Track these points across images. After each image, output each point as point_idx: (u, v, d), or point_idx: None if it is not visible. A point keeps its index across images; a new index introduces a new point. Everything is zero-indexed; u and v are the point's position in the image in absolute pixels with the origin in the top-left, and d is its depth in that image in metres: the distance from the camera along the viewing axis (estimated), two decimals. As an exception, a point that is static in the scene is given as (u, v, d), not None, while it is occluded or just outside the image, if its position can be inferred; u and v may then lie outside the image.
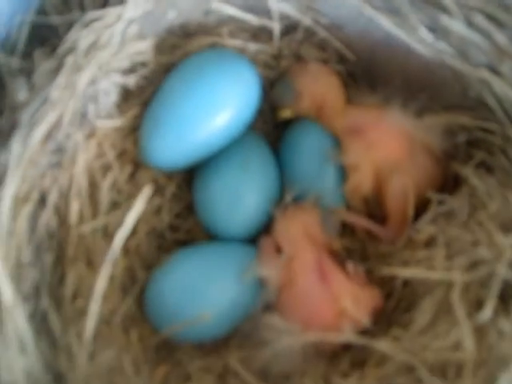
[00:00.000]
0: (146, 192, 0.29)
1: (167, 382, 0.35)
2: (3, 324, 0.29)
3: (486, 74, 0.33)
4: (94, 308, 0.30)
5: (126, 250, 0.37)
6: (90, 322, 0.31)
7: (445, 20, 0.31)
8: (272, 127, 0.42)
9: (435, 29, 0.32)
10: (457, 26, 0.31)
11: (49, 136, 0.34)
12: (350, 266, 0.35)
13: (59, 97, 0.33)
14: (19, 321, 0.29)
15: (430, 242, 0.35)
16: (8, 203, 0.32)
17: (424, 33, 0.32)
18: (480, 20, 0.30)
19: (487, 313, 0.30)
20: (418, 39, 0.33)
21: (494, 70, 0.32)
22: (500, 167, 0.35)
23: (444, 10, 0.31)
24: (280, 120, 0.40)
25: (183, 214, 0.40)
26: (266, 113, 0.41)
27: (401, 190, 0.36)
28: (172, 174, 0.39)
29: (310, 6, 0.36)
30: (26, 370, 0.29)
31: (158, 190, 0.39)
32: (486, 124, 0.35)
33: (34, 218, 0.33)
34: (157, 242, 0.39)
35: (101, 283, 0.31)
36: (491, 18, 0.30)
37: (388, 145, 0.36)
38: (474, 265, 0.32)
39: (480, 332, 0.30)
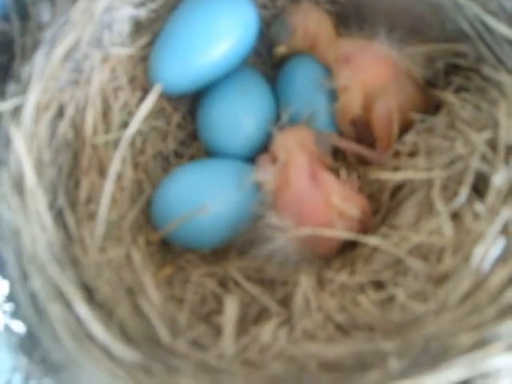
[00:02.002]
0: (157, 88, 0.33)
1: (171, 282, 0.38)
2: (26, 204, 0.32)
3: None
4: (106, 197, 0.33)
5: (135, 165, 0.40)
6: (101, 218, 0.34)
7: None
8: (269, 67, 0.46)
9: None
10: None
11: (68, 55, 0.37)
12: (343, 172, 0.39)
13: (78, 20, 0.37)
14: (40, 203, 0.32)
15: (413, 152, 0.38)
16: (31, 109, 0.35)
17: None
18: None
19: (462, 197, 0.33)
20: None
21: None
22: (475, 87, 0.39)
23: None
24: (277, 57, 0.44)
25: (187, 142, 0.44)
26: (263, 53, 0.45)
27: (386, 110, 0.39)
28: (178, 104, 0.43)
29: None
30: (47, 244, 0.31)
31: (165, 118, 0.43)
32: (461, 47, 0.39)
33: (53, 127, 0.36)
34: (162, 164, 0.42)
35: (111, 178, 0.34)
36: None
37: (374, 69, 0.40)
38: (451, 163, 0.35)
39: (457, 218, 0.34)
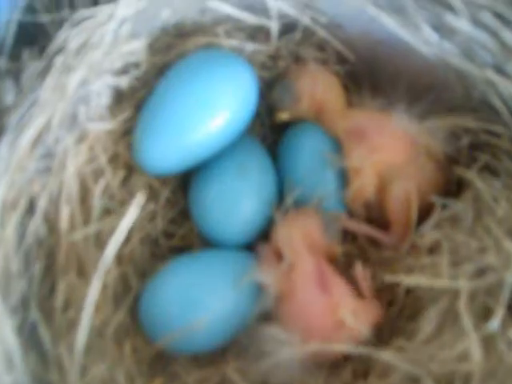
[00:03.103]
0: (139, 199, 0.28)
1: (163, 394, 0.34)
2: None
3: (491, 75, 0.32)
4: (86, 320, 0.29)
5: (118, 257, 0.35)
6: (81, 335, 0.30)
7: (450, 19, 0.30)
8: (269, 129, 0.40)
9: (440, 28, 0.31)
10: (463, 24, 0.30)
11: (37, 140, 0.32)
12: (358, 268, 0.34)
13: (48, 99, 0.32)
14: (6, 334, 0.28)
15: (434, 248, 0.34)
16: (-5, 210, 0.30)
17: (428, 32, 0.31)
18: (487, 18, 0.29)
19: (495, 322, 0.29)
20: (422, 39, 0.32)
21: (501, 70, 0.31)
22: (505, 170, 0.34)
23: (449, 8, 0.30)
24: (278, 122, 0.39)
25: (178, 220, 0.39)
26: (262, 115, 0.40)
27: (403, 195, 0.34)
28: (166, 178, 0.38)
29: (308, 5, 0.35)
30: (15, 386, 0.27)
31: (152, 196, 0.38)
32: (491, 126, 0.34)
33: (23, 226, 0.32)
34: (151, 248, 0.38)
35: (92, 294, 0.30)
36: (498, 16, 0.29)
37: (391, 149, 0.35)
38: (480, 272, 0.31)
39: (488, 342, 0.29)
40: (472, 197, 0.34)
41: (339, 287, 0.32)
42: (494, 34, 0.30)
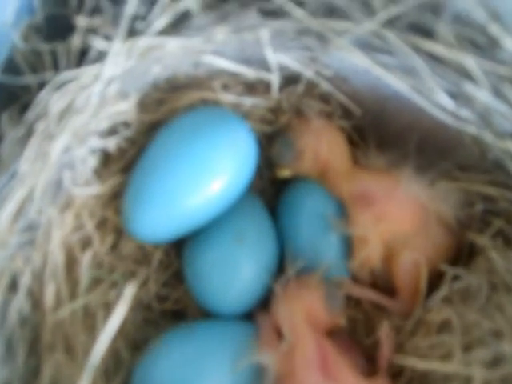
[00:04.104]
0: (128, 293, 0.26)
1: None
2: None
3: (509, 144, 0.29)
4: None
5: (109, 330, 0.33)
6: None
7: (469, 88, 0.27)
8: (268, 183, 0.38)
9: (456, 95, 0.28)
10: (483, 95, 0.27)
11: (18, 214, 0.30)
12: (386, 327, 0.32)
13: (29, 169, 0.29)
14: None
15: (444, 326, 0.32)
16: (-28, 297, 0.28)
17: (444, 98, 0.28)
18: (509, 90, 0.26)
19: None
20: (436, 103, 0.29)
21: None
22: (521, 240, 0.32)
23: (468, 76, 0.27)
24: (278, 179, 0.36)
25: (171, 283, 0.37)
26: (262, 168, 0.37)
27: (411, 266, 0.32)
28: (158, 241, 0.36)
29: (313, 58, 0.32)
30: None
31: (144, 259, 0.36)
32: (506, 193, 0.32)
33: (5, 306, 0.30)
34: (143, 314, 0.35)
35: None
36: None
37: (399, 217, 0.33)
38: (495, 361, 0.29)
39: None
40: (485, 268, 0.32)
41: (343, 371, 0.30)
42: (514, 105, 0.28)
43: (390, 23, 0.28)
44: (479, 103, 0.28)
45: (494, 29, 0.26)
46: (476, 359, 0.29)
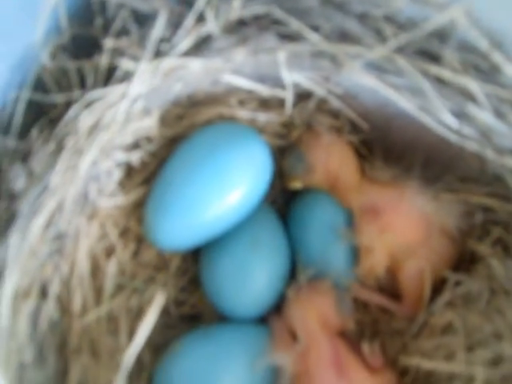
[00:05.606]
0: (158, 301, 0.28)
1: None
2: None
3: (508, 161, 0.31)
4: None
5: (130, 332, 0.35)
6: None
7: (472, 109, 0.29)
8: (280, 194, 0.40)
9: (459, 114, 0.31)
10: (485, 116, 0.29)
11: (49, 224, 0.31)
12: (366, 347, 0.34)
13: (59, 182, 0.31)
14: None
15: (447, 328, 0.34)
16: (7, 302, 0.30)
17: (448, 118, 0.30)
18: (509, 112, 0.29)
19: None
20: (441, 122, 0.32)
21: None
22: (519, 248, 0.34)
23: (471, 98, 0.29)
24: (290, 190, 0.38)
25: (189, 288, 0.38)
26: (274, 180, 0.39)
27: (416, 274, 0.34)
28: (177, 249, 0.38)
29: (325, 77, 0.34)
30: None
31: (163, 265, 0.37)
32: (506, 205, 0.34)
33: (36, 313, 0.31)
34: (162, 319, 0.37)
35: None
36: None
37: (404, 229, 0.35)
38: (496, 360, 0.31)
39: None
40: (486, 274, 0.35)
41: (355, 369, 0.32)
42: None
43: (400, 49, 0.30)
44: (481, 123, 0.30)
45: (496, 56, 0.28)
46: (478, 359, 0.31)
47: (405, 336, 0.36)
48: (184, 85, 0.34)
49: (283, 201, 0.40)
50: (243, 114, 0.35)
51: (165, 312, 0.38)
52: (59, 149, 0.31)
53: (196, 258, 0.38)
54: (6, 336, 0.29)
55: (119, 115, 0.32)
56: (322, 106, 0.37)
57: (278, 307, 0.37)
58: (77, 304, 0.33)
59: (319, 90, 0.35)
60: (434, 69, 0.29)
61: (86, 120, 0.31)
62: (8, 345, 0.29)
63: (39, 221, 0.31)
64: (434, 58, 0.30)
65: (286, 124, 0.37)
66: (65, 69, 0.34)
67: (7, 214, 0.31)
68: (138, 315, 0.35)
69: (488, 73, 0.29)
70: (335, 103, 0.36)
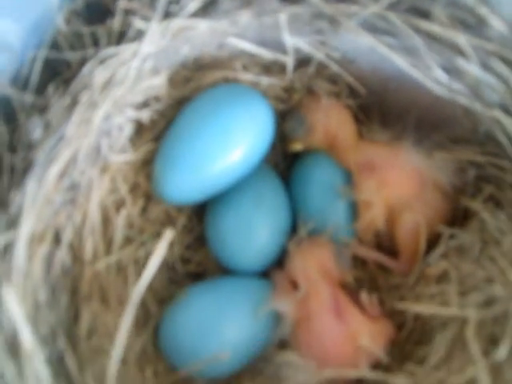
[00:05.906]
0: (167, 237, 0.29)
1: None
2: (23, 369, 0.29)
3: (498, 114, 0.33)
4: (117, 353, 0.30)
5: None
6: (112, 368, 0.31)
7: (461, 63, 0.31)
8: (282, 157, 0.42)
9: (450, 70, 0.33)
10: (473, 69, 0.31)
11: (64, 173, 0.33)
12: (364, 296, 0.36)
13: (74, 134, 0.33)
14: (38, 366, 0.29)
15: (442, 277, 0.35)
16: (24, 245, 0.31)
17: (439, 73, 0.32)
18: (496, 64, 0.31)
19: (503, 352, 0.30)
20: (432, 78, 0.34)
21: (507, 111, 0.33)
22: (509, 202, 0.36)
23: (460, 53, 0.31)
24: (291, 152, 0.40)
25: (194, 246, 0.40)
26: (275, 142, 0.41)
27: (412, 227, 0.36)
28: (183, 206, 0.39)
29: (323, 42, 0.36)
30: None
31: (169, 223, 0.39)
32: (497, 161, 0.36)
33: (50, 257, 0.33)
34: (168, 274, 0.39)
35: (123, 331, 0.30)
36: (507, 62, 0.31)
37: (400, 183, 0.36)
38: (488, 302, 0.32)
39: (496, 369, 0.31)
40: (478, 227, 0.36)
41: (353, 313, 0.34)
42: (501, 78, 0.32)
43: (393, 6, 0.32)
44: (470, 77, 0.32)
45: (482, 10, 0.30)
46: (471, 302, 0.33)
47: (402, 289, 0.37)
48: (191, 47, 0.36)
49: (285, 165, 0.42)
50: (247, 77, 0.37)
51: (171, 268, 0.40)
52: (74, 103, 0.33)
53: (201, 218, 0.40)
54: (22, 276, 0.31)
55: (131, 72, 0.34)
56: (321, 71, 0.39)
57: (280, 263, 0.38)
58: (88, 252, 0.34)
59: (318, 55, 0.37)
60: (424, 24, 0.31)
61: (100, 75, 0.33)
62: (24, 284, 0.31)
63: (54, 170, 0.33)
64: (424, 15, 0.32)
65: (287, 88, 0.39)
66: (79, 33, 0.36)
67: (24, 164, 0.33)
68: (145, 266, 0.36)
69: (475, 27, 0.31)
70: (334, 67, 0.38)
